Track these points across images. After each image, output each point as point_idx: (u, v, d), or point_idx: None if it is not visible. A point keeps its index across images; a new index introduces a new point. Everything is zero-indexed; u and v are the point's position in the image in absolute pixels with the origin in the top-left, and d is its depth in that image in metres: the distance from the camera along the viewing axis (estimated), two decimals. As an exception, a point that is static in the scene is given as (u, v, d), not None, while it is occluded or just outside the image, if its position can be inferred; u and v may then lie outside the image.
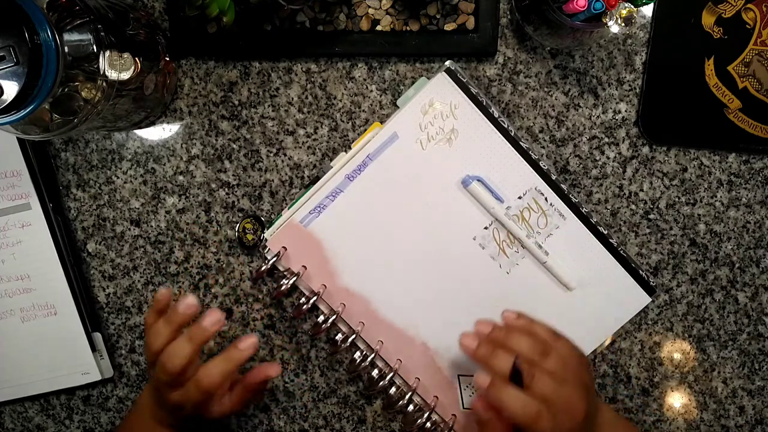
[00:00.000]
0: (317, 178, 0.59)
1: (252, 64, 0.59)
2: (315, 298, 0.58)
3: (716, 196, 0.60)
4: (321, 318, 0.59)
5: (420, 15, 0.57)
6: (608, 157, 0.60)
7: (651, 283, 0.60)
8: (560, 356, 0.51)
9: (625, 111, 0.59)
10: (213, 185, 0.61)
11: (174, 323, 0.50)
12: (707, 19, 0.57)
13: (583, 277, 0.59)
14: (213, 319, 0.49)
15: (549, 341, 0.52)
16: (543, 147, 0.60)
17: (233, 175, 0.60)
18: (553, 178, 0.58)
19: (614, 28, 0.47)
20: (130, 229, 0.61)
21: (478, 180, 0.57)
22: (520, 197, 0.58)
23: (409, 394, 0.59)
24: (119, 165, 0.61)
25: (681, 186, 0.60)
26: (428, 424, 0.60)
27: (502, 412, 0.48)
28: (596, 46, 0.58)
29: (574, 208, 0.58)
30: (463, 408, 0.61)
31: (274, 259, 0.57)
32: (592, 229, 0.59)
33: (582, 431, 0.50)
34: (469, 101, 0.56)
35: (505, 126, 0.57)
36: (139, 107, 0.55)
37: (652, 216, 0.61)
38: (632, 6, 0.47)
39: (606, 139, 0.60)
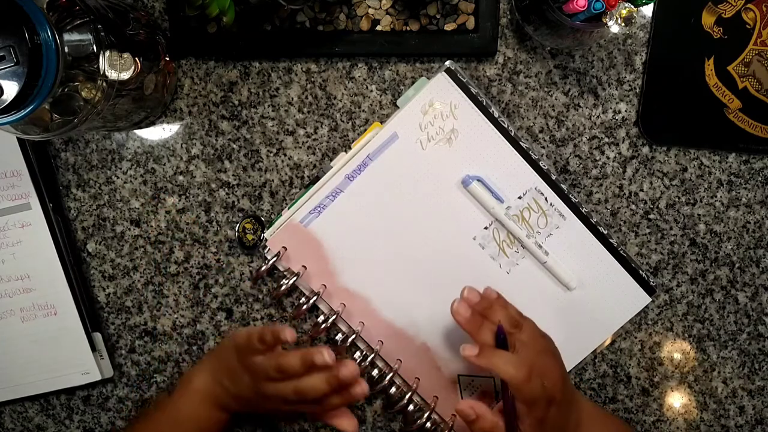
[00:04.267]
0: (317, 178, 0.59)
1: (252, 64, 0.59)
2: (315, 298, 0.58)
3: (716, 196, 0.60)
4: (321, 318, 0.59)
5: (420, 15, 0.57)
6: (608, 157, 0.60)
7: (651, 283, 0.60)
8: (531, 330, 0.54)
9: (625, 111, 0.59)
10: (213, 185, 0.61)
11: (305, 365, 0.50)
12: (707, 19, 0.57)
13: (583, 277, 0.59)
14: (347, 372, 0.50)
15: (520, 318, 0.55)
16: (543, 147, 0.60)
17: (233, 175, 0.60)
18: (553, 178, 0.58)
19: (614, 28, 0.47)
20: (130, 229, 0.61)
21: (478, 180, 0.57)
22: (520, 197, 0.58)
23: (409, 394, 0.59)
24: (119, 165, 0.61)
25: (681, 186, 0.60)
26: (428, 424, 0.60)
27: (494, 374, 0.51)
28: (596, 46, 0.58)
29: (574, 208, 0.58)
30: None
31: (274, 259, 0.57)
32: (592, 229, 0.59)
33: (562, 406, 0.52)
34: (469, 101, 0.56)
35: (505, 126, 0.57)
36: (139, 107, 0.55)
37: (652, 216, 0.61)
38: (632, 6, 0.47)
39: (606, 139, 0.60)
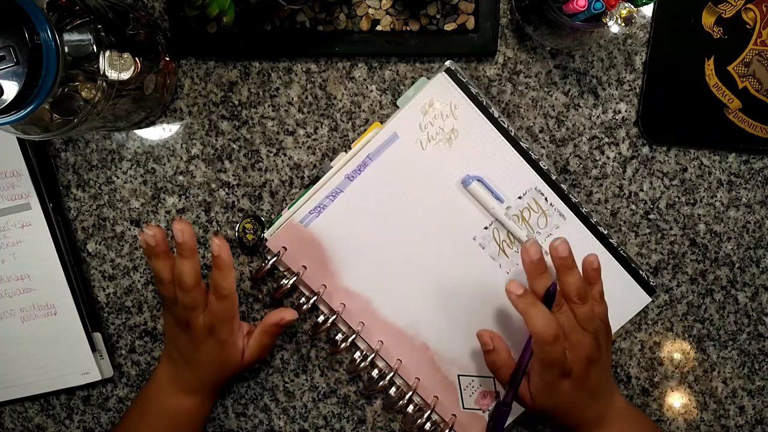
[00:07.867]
0: (317, 178, 0.59)
1: (252, 64, 0.59)
2: (315, 298, 0.58)
3: (716, 196, 0.60)
4: (321, 318, 0.59)
5: (420, 15, 0.57)
6: (608, 157, 0.60)
7: (651, 283, 0.60)
8: (593, 310, 0.53)
9: (625, 111, 0.59)
10: (213, 185, 0.61)
11: (160, 254, 0.53)
12: (707, 19, 0.57)
13: (583, 277, 0.59)
14: (178, 231, 0.51)
15: (595, 296, 0.53)
16: (543, 147, 0.60)
17: (233, 175, 0.60)
18: (553, 178, 0.58)
19: (614, 28, 0.47)
20: (130, 229, 0.61)
21: (478, 180, 0.57)
22: (520, 197, 0.58)
23: (409, 394, 0.59)
24: (119, 165, 0.61)
25: (681, 186, 0.60)
26: (428, 424, 0.60)
27: (525, 322, 0.50)
28: (596, 46, 0.58)
29: (574, 208, 0.58)
30: (463, 408, 0.61)
31: (274, 259, 0.57)
32: (592, 229, 0.59)
33: (580, 387, 0.52)
34: (469, 101, 0.56)
35: (505, 126, 0.57)
36: (139, 107, 0.55)
37: (652, 216, 0.61)
38: (632, 6, 0.47)
39: (606, 139, 0.60)
